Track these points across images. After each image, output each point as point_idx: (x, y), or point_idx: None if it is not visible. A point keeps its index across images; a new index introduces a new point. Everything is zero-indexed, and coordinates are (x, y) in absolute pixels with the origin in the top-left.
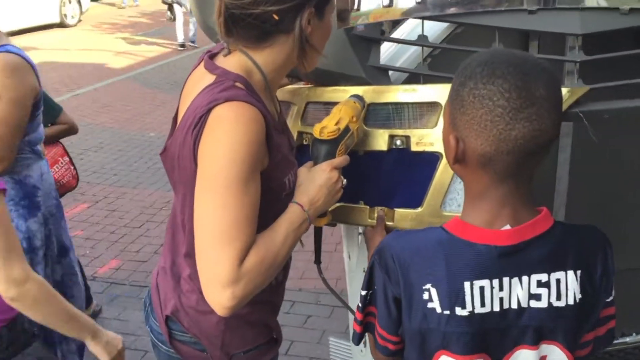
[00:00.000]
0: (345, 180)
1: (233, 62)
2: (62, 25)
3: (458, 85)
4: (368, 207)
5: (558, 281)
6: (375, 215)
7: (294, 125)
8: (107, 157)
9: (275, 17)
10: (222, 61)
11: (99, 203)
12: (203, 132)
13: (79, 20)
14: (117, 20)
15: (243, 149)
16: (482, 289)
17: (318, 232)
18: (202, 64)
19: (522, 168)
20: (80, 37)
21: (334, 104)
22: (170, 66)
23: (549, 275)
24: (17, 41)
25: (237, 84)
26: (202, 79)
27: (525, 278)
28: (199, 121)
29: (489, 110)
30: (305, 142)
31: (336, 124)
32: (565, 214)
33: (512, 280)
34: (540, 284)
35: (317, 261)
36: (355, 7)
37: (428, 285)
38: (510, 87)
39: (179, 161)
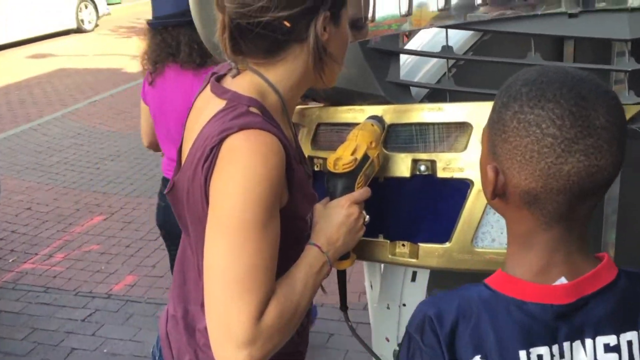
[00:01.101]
0: (367, 216)
1: (244, 83)
2: (79, 30)
3: (500, 107)
4: (388, 241)
5: (630, 343)
6: (397, 250)
7: (304, 150)
8: (123, 165)
9: (287, 24)
10: (230, 83)
11: (114, 215)
12: (215, 166)
13: (96, 25)
14: (135, 23)
15: (261, 186)
16: (540, 357)
17: (341, 276)
18: (209, 87)
19: (576, 210)
20: (98, 42)
21: (348, 125)
22: None
23: (617, 336)
24: (34, 49)
25: (252, 109)
26: (209, 104)
27: (589, 341)
28: (210, 154)
29: (537, 140)
30: (316, 168)
31: (352, 153)
32: (615, 253)
33: (574, 344)
34: (608, 348)
35: (343, 307)
36: (370, 16)
37: (477, 358)
38: (564, 113)
39: (189, 197)
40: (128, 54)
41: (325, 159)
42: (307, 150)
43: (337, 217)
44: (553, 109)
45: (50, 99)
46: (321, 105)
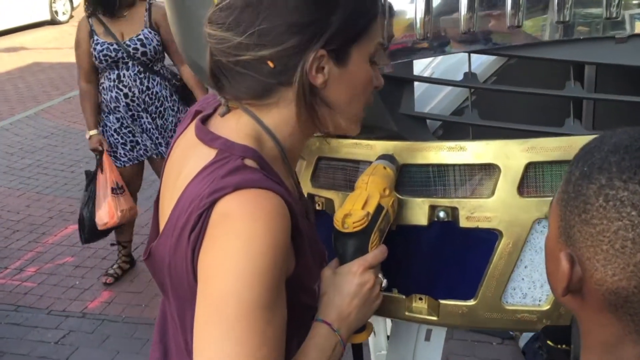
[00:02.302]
0: (384, 280)
1: (235, 125)
2: (53, 22)
3: (579, 178)
4: (404, 296)
5: None
6: (414, 305)
7: (303, 186)
8: None
9: (271, 64)
10: (220, 126)
11: None
12: (205, 236)
13: (71, 17)
14: None
15: (264, 260)
16: None
17: (357, 349)
18: (193, 130)
19: None
20: (72, 35)
21: (354, 162)
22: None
23: None
24: (5, 42)
25: (247, 161)
26: (195, 152)
27: None
28: (198, 221)
29: (632, 225)
30: (318, 207)
31: (363, 206)
32: None
33: None
34: None
35: None
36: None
37: None
38: None
39: (171, 271)
40: None
41: (327, 200)
42: (308, 188)
43: (348, 287)
44: None
45: (22, 95)
46: (321, 135)
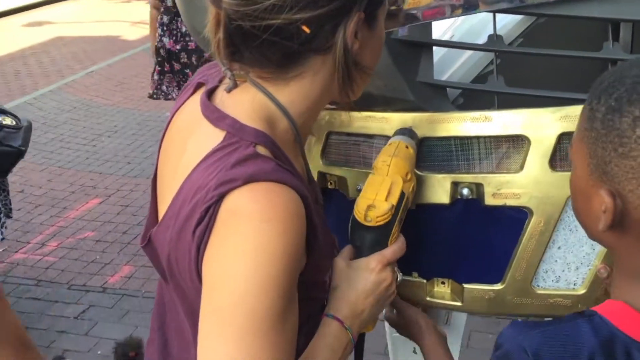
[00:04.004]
0: (400, 275)
1: (245, 104)
2: None
3: (607, 113)
4: (425, 280)
5: None
6: (435, 290)
7: (312, 164)
8: (120, 142)
9: (306, 29)
10: (227, 102)
11: (111, 197)
12: (212, 233)
13: None
14: None
15: (279, 264)
16: None
17: (360, 338)
18: (198, 105)
19: None
20: (94, 8)
21: (367, 137)
22: None
23: None
24: (29, 17)
25: (259, 148)
26: (199, 130)
27: None
28: (205, 216)
29: None
30: (330, 186)
31: (387, 196)
32: None
33: None
34: None
35: None
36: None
37: None
38: None
39: (171, 263)
40: (126, 19)
41: (340, 178)
42: (318, 166)
43: (364, 284)
44: None
45: (46, 69)
46: (331, 108)
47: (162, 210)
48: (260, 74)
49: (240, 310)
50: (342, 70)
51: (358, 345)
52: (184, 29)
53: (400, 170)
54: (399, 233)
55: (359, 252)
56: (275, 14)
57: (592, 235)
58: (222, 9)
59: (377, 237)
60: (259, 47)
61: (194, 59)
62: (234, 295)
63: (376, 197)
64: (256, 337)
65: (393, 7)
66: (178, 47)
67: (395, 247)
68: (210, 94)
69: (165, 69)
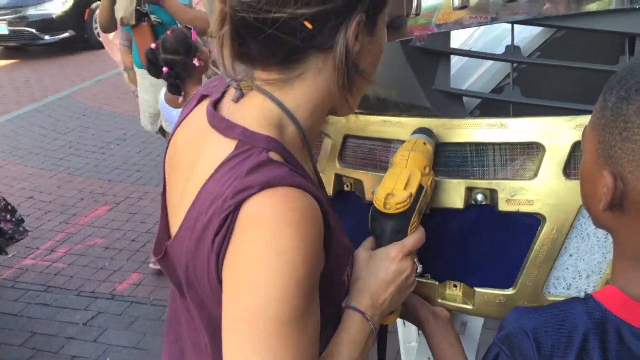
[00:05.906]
0: (420, 266)
1: (253, 112)
2: None
3: (617, 102)
4: (437, 283)
5: None
6: (447, 292)
7: (329, 166)
8: (130, 150)
9: (309, 25)
10: (235, 112)
11: (120, 205)
12: (230, 242)
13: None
14: None
15: (300, 268)
16: None
17: (383, 330)
18: (204, 117)
19: None
20: None
21: (384, 142)
22: None
23: None
24: None
25: (272, 155)
26: (208, 141)
27: None
28: (223, 224)
29: None
30: (346, 188)
31: (405, 185)
32: None
33: None
34: None
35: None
36: (414, 10)
37: None
38: None
39: (189, 275)
40: None
41: (356, 180)
42: (335, 168)
43: (385, 274)
44: None
45: (55, 77)
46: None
47: (175, 222)
48: (266, 77)
49: (264, 315)
50: (342, 70)
51: (380, 338)
52: None
53: (418, 164)
54: (418, 223)
55: (379, 242)
56: (278, 7)
57: (596, 219)
58: (226, 3)
59: (397, 225)
60: (263, 41)
61: None
62: (257, 300)
63: (395, 185)
64: (281, 341)
65: (398, 17)
66: None
67: (415, 237)
68: (215, 105)
69: None
